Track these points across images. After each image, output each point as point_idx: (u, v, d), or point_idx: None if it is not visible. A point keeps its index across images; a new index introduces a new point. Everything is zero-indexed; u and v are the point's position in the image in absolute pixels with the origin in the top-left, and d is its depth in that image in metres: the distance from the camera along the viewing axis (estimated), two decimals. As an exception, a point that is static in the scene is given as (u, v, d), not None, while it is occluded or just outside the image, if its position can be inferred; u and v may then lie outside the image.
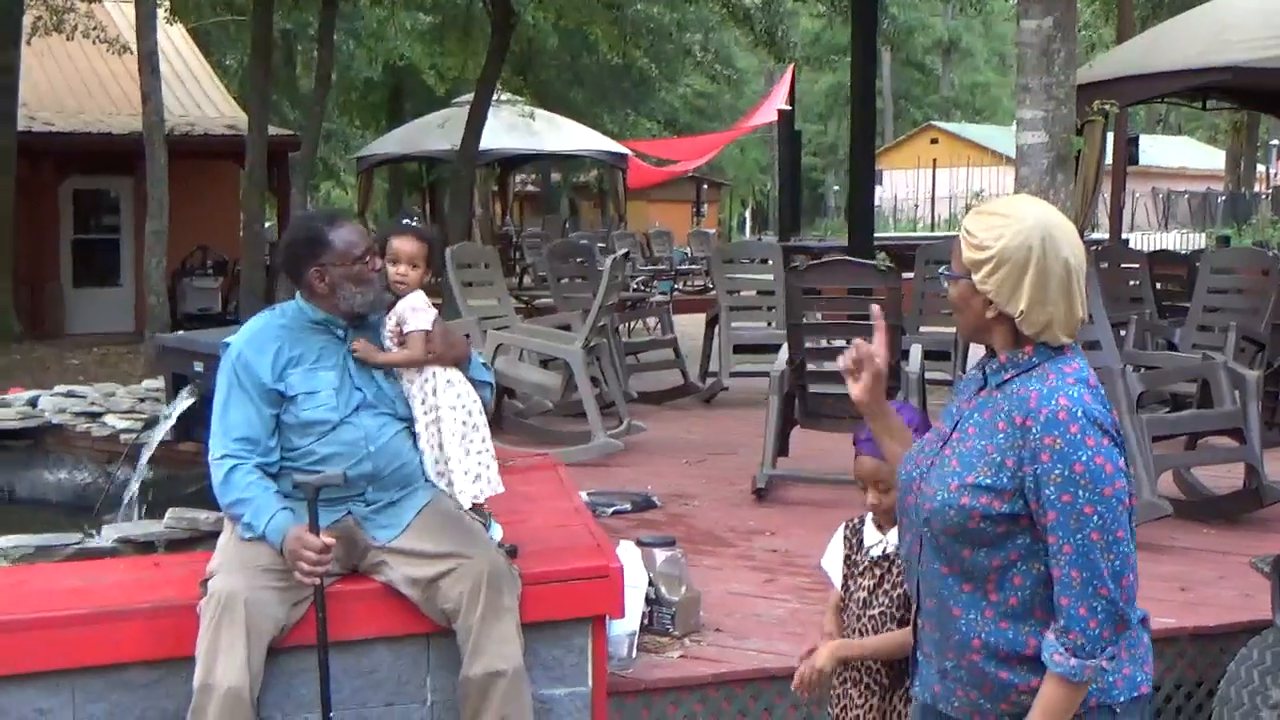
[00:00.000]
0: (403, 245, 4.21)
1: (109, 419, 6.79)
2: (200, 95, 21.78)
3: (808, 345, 7.18)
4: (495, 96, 22.81)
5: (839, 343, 7.38)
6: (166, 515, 4.57)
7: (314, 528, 3.79)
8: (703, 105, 44.96)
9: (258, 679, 3.72)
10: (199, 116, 20.69)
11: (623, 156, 26.56)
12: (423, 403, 4.15)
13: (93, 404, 6.96)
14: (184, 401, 5.94)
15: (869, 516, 3.51)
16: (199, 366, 5.96)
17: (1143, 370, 7.30)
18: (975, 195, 43.88)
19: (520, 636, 3.95)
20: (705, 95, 43.88)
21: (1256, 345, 8.78)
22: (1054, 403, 2.54)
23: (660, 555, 4.92)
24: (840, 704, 3.54)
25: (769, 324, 10.76)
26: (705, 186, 38.86)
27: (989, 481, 2.59)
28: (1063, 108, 9.09)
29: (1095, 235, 26.52)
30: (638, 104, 37.29)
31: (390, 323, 4.17)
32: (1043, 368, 2.61)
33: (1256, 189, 44.92)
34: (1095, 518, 2.50)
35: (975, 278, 2.63)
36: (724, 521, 6.77)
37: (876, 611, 3.44)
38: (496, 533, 4.21)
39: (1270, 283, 9.23)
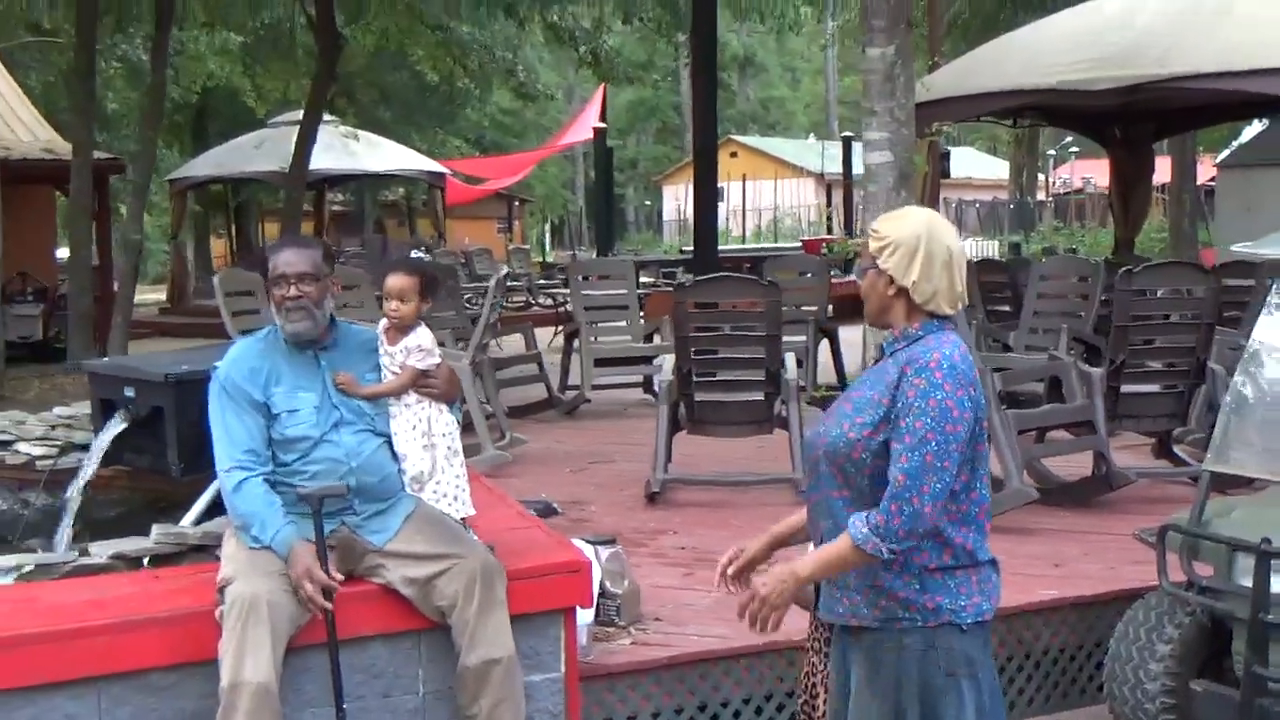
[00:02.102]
0: (392, 281, 4.55)
1: (21, 446, 6.86)
2: (13, 118, 21.32)
3: (694, 355, 7.67)
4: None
5: (721, 353, 7.91)
6: (154, 531, 4.80)
7: (319, 537, 4.13)
8: (509, 123, 45.38)
9: (279, 676, 4.02)
10: (13, 140, 20.25)
11: (440, 175, 26.82)
12: (414, 428, 4.51)
13: (2, 431, 7.03)
14: (115, 427, 6.11)
15: None
16: (130, 391, 6.13)
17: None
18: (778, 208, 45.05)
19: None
20: (511, 113, 44.32)
21: (1083, 345, 9.57)
22: (929, 355, 3.22)
23: (605, 552, 5.33)
24: (806, 666, 4.04)
25: (629, 337, 11.26)
26: (516, 204, 39.20)
27: (869, 418, 3.26)
28: (904, 129, 9.78)
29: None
30: (445, 122, 37.48)
31: (398, 356, 4.50)
32: (926, 338, 3.29)
33: (1040, 197, 47.12)
34: (933, 444, 3.15)
35: (879, 261, 3.33)
36: (625, 524, 7.19)
37: None
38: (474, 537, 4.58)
39: (1090, 288, 10.06)
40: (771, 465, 8.10)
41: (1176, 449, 8.00)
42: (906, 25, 9.89)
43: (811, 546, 3.62)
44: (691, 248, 13.52)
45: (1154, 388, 7.81)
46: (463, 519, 4.57)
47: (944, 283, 3.31)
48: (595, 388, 11.00)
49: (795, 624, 4.94)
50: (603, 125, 28.19)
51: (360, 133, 24.19)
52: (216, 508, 5.51)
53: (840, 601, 3.37)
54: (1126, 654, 4.92)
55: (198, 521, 5.72)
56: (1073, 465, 8.00)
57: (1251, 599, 4.40)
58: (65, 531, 6.03)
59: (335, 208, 39.77)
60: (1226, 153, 28.78)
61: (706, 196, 12.59)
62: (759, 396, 7.69)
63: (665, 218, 54.38)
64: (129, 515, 6.42)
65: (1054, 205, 45.65)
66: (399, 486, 4.50)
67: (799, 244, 26.70)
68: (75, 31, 16.63)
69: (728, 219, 44.52)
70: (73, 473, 6.58)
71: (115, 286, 18.32)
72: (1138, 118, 13.86)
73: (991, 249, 33.19)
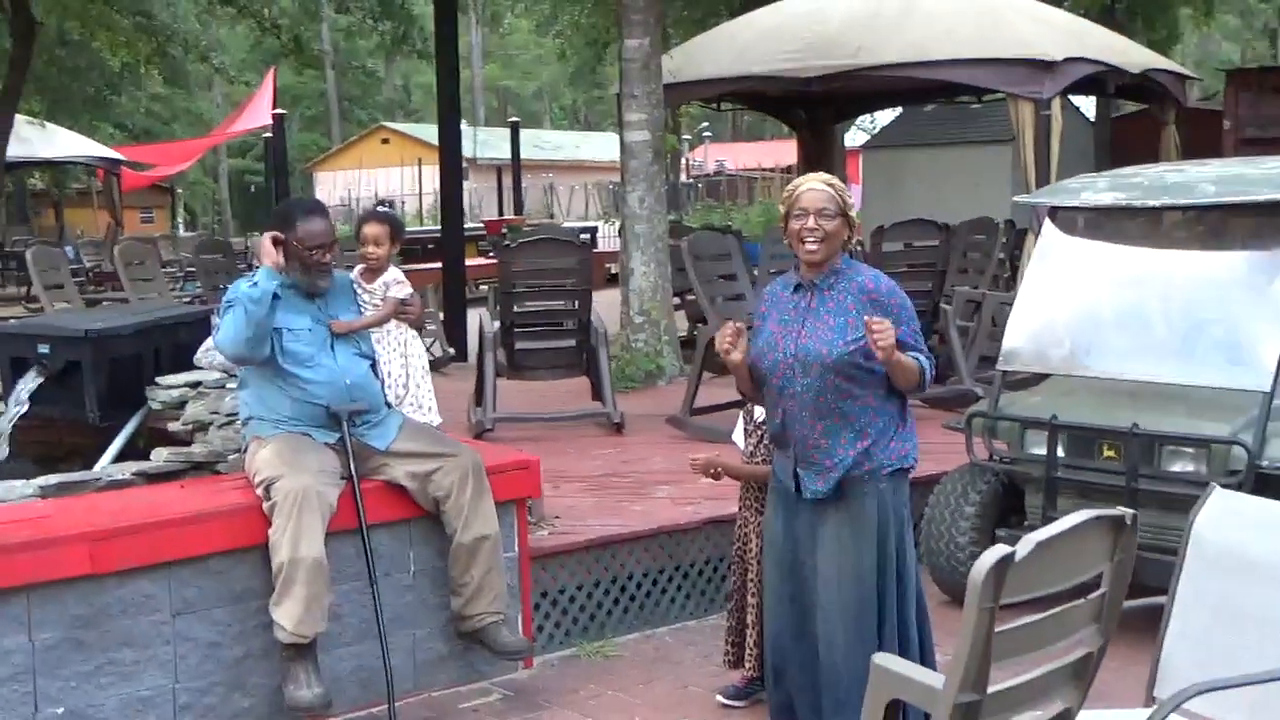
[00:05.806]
0: (369, 229, 5.52)
1: (-83, 407, 7.27)
2: None
3: (516, 309, 8.69)
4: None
5: (539, 306, 8.96)
6: (165, 452, 5.54)
7: (347, 444, 5.05)
8: (158, 110, 44.45)
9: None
10: None
11: (118, 162, 26.55)
12: (394, 350, 5.45)
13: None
14: (33, 381, 6.67)
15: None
16: (45, 348, 6.72)
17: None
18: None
19: (494, 511, 5.33)
20: (160, 99, 43.47)
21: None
22: (881, 280, 4.43)
23: (516, 462, 6.33)
24: (739, 520, 5.23)
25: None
26: (180, 191, 38.69)
27: (855, 335, 4.23)
28: (657, 110, 11.05)
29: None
30: (97, 109, 36.62)
31: (378, 291, 5.42)
32: (850, 268, 4.44)
33: (683, 178, 49.56)
34: (918, 332, 4.39)
35: (850, 214, 4.42)
36: (471, 456, 8.15)
37: (759, 459, 5.12)
38: (444, 442, 5.55)
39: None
40: (572, 403, 9.24)
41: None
42: (657, 19, 11.17)
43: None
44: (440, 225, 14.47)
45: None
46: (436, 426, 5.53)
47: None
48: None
49: (669, 514, 6.19)
50: (281, 112, 28.38)
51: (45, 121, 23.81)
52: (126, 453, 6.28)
53: (821, 479, 4.32)
54: (940, 517, 6.27)
55: (113, 461, 6.44)
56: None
57: (1046, 461, 5.81)
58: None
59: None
60: (867, 137, 31.45)
61: (452, 180, 13.54)
62: (572, 343, 8.78)
63: (321, 205, 54.15)
64: (41, 460, 6.97)
65: (704, 187, 48.13)
66: (384, 400, 5.41)
67: (480, 224, 27.61)
68: None
69: (394, 203, 44.99)
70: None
71: None
72: (820, 104, 15.57)
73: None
